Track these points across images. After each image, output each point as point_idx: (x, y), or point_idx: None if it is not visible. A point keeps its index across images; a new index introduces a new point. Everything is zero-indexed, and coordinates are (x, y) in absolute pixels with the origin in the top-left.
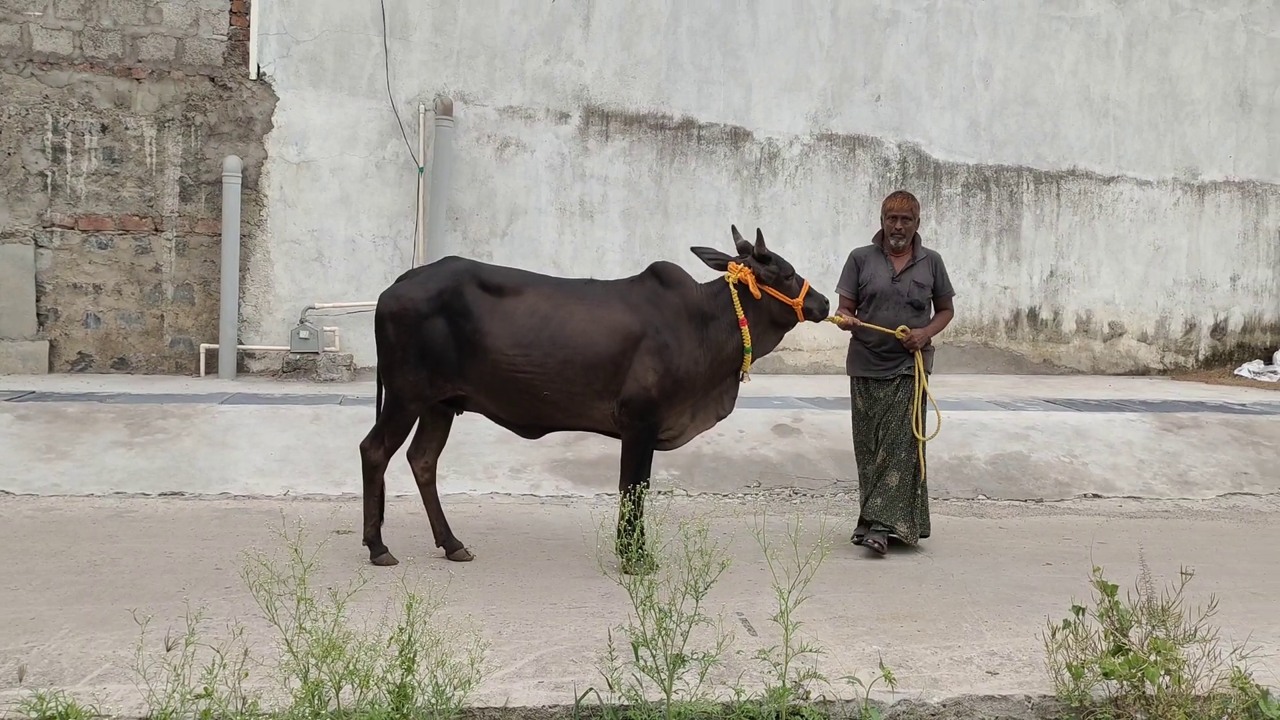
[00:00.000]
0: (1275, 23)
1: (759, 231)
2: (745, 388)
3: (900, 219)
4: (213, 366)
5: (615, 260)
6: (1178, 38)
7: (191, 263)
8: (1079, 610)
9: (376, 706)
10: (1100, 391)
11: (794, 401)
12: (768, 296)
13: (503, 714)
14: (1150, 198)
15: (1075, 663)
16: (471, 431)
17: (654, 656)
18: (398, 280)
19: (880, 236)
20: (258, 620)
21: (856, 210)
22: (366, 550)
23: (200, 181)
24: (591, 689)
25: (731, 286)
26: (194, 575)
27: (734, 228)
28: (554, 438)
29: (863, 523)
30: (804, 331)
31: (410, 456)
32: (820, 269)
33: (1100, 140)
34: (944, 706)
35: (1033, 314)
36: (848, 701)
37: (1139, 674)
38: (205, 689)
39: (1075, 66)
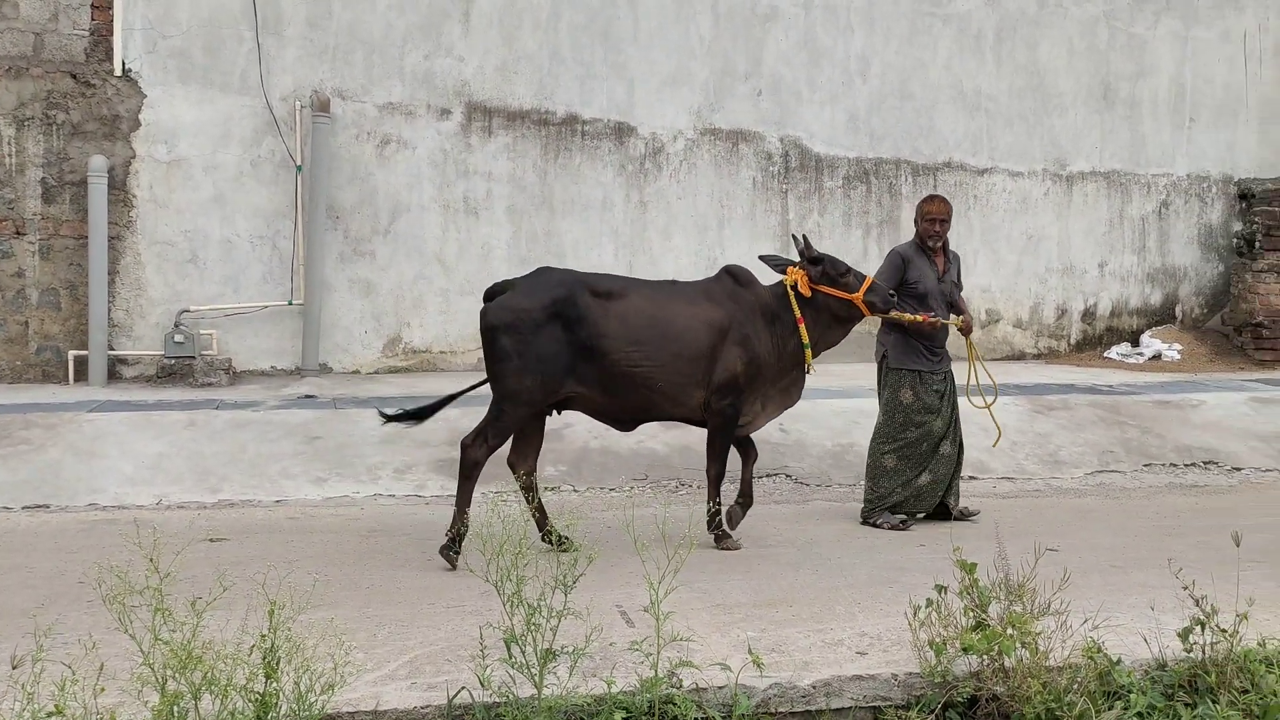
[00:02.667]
0: (1135, 19)
1: (805, 237)
2: None
3: (939, 221)
4: (82, 374)
5: (502, 257)
6: (1045, 33)
7: (57, 267)
8: (941, 589)
9: (238, 716)
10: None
11: None
12: (823, 295)
13: (373, 717)
14: (1022, 188)
15: (937, 640)
16: (354, 433)
17: (524, 653)
18: (492, 291)
19: (918, 238)
20: (118, 634)
21: (741, 204)
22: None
23: (64, 182)
24: (464, 688)
25: (789, 289)
26: (55, 590)
27: (793, 235)
28: (439, 437)
29: (875, 507)
30: None
31: (511, 464)
32: (707, 262)
33: (974, 133)
34: (814, 688)
35: None
36: (720, 688)
37: (996, 648)
38: (56, 706)
39: (949, 61)
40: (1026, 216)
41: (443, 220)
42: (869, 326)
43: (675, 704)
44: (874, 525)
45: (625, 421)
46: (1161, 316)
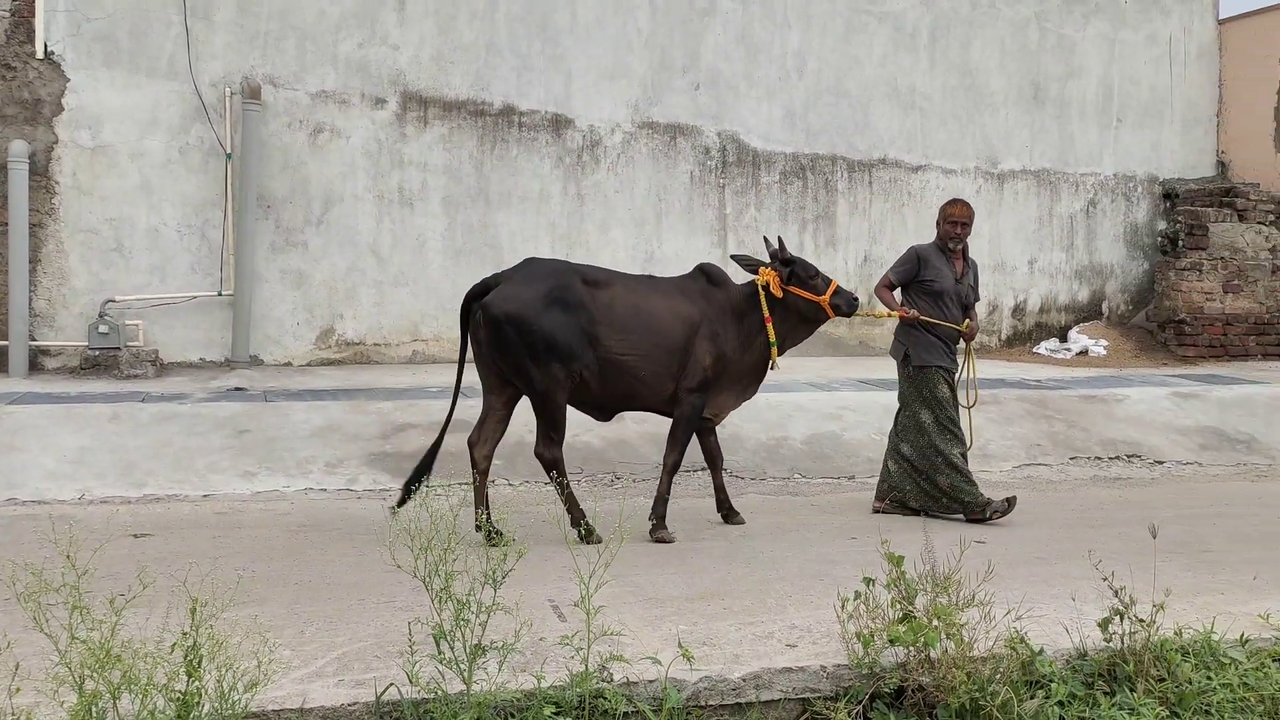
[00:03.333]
0: (1065, 20)
1: (780, 239)
2: None
3: (960, 224)
4: (2, 365)
5: (437, 249)
6: (977, 32)
7: None
8: (869, 581)
9: (159, 716)
10: None
11: None
12: (794, 295)
13: (299, 715)
14: (955, 185)
15: (865, 632)
16: (285, 426)
17: (453, 648)
18: (485, 284)
19: (940, 239)
20: (34, 633)
21: (678, 197)
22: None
23: None
24: (393, 684)
25: (760, 288)
26: None
27: (765, 237)
28: (371, 431)
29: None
30: None
31: (471, 441)
32: (644, 256)
33: (908, 130)
34: (744, 681)
35: None
36: (651, 682)
37: (922, 640)
38: None
39: (884, 59)
40: None
41: (377, 211)
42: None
43: (606, 698)
44: (987, 519)
45: (608, 410)
46: (1089, 313)
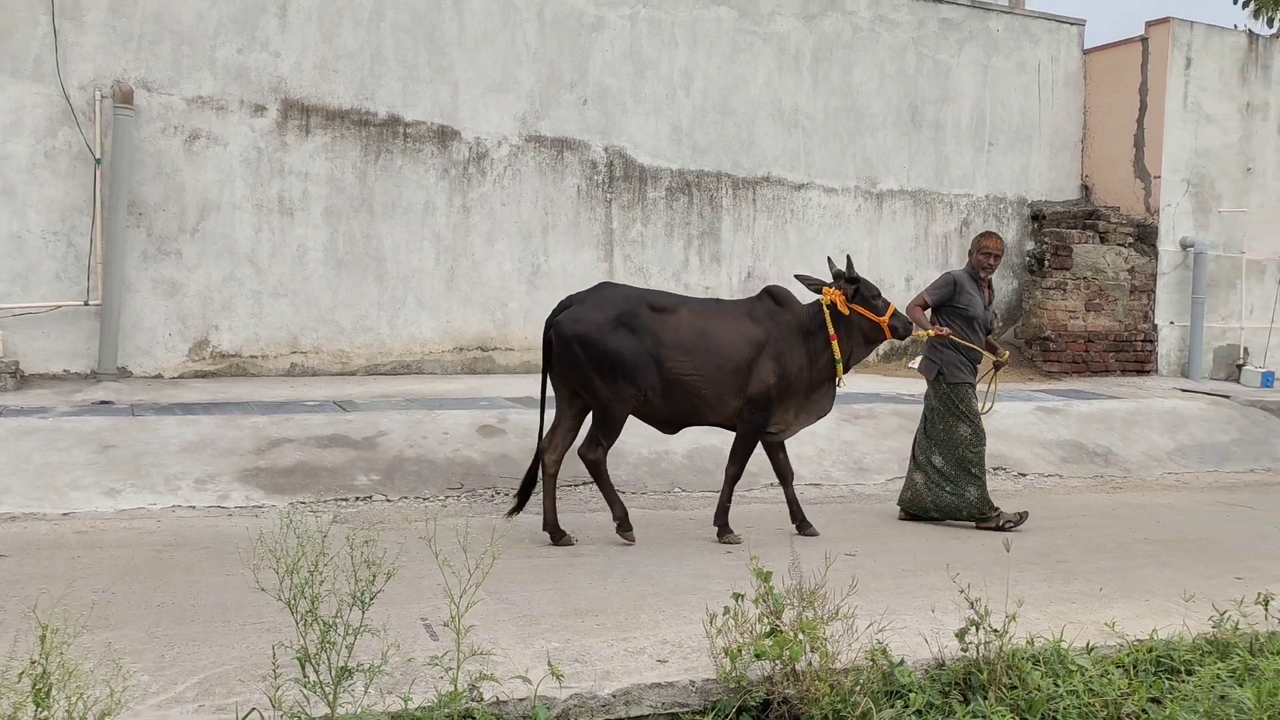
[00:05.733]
0: (941, 46)
1: (849, 258)
2: (453, 388)
3: (994, 256)
4: None
5: (319, 259)
6: (858, 56)
7: None
8: (738, 597)
9: None
10: None
11: (501, 402)
12: (856, 314)
13: None
14: (836, 204)
15: (732, 646)
16: (153, 441)
17: (318, 671)
18: (561, 306)
19: (971, 267)
20: None
21: (565, 211)
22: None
23: None
24: (255, 709)
25: (824, 307)
26: None
27: (829, 258)
28: (245, 446)
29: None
30: (515, 331)
31: (543, 449)
32: (530, 269)
33: (791, 149)
34: (614, 697)
35: None
36: (521, 700)
37: (787, 653)
38: None
39: (769, 79)
40: (840, 231)
41: (256, 220)
42: None
43: (475, 718)
44: (1002, 528)
45: (674, 425)
46: None
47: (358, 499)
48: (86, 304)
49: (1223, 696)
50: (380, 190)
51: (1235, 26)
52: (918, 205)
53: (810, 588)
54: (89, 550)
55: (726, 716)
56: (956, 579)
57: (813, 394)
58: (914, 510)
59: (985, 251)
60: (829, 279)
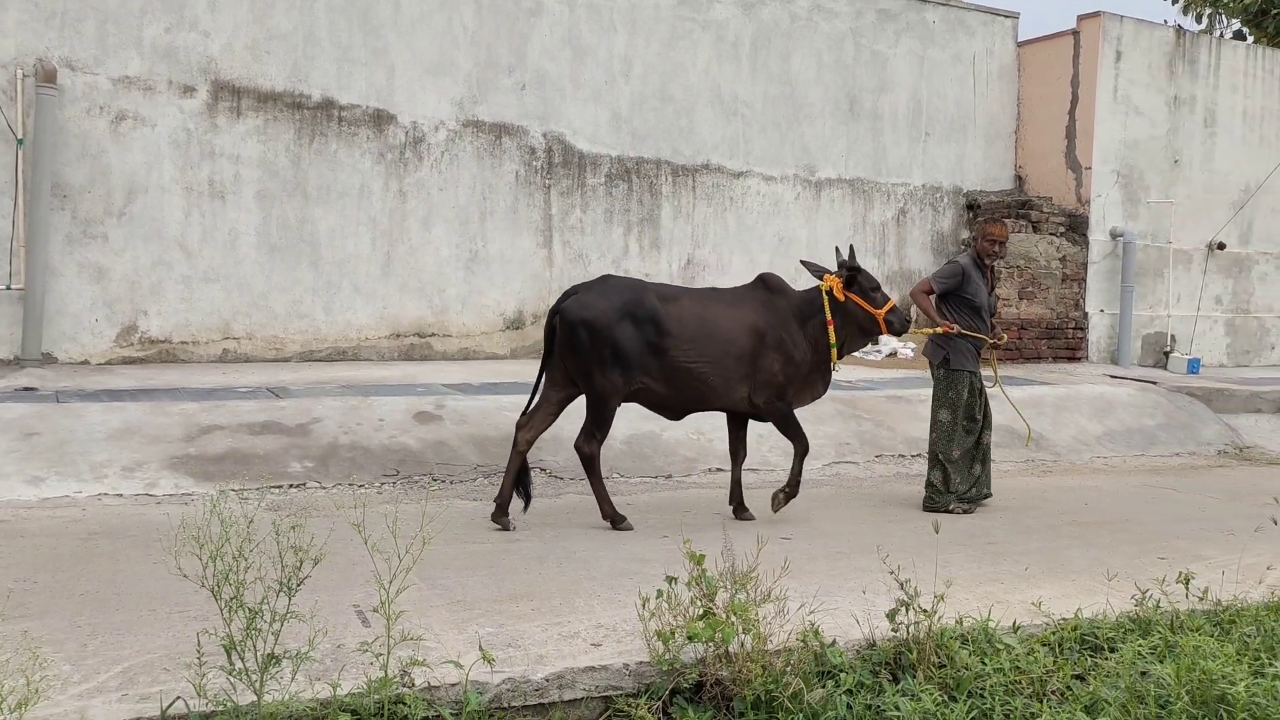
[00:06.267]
0: (878, 37)
1: (851, 248)
2: (389, 375)
3: (999, 243)
4: None
5: (251, 244)
6: (797, 44)
7: None
8: (671, 580)
9: None
10: None
11: (438, 389)
12: (854, 304)
13: None
14: (775, 192)
15: (666, 629)
16: (78, 429)
17: (244, 659)
18: (566, 295)
19: (977, 253)
20: None
21: (504, 197)
22: None
23: None
24: (180, 698)
25: (824, 293)
26: None
27: (837, 247)
28: (174, 433)
29: (949, 498)
30: (453, 317)
31: (519, 425)
32: (468, 255)
33: (731, 137)
34: (547, 681)
35: None
36: (453, 685)
37: (719, 635)
38: None
39: (708, 66)
40: (778, 219)
41: (185, 204)
42: None
43: (405, 704)
44: (949, 511)
45: (679, 411)
46: None
47: (291, 486)
48: (9, 288)
49: (1144, 673)
50: (315, 174)
51: (1165, 22)
52: (856, 194)
53: (743, 570)
54: (10, 539)
55: (660, 699)
56: (886, 560)
57: (810, 376)
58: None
59: (991, 239)
60: (812, 271)
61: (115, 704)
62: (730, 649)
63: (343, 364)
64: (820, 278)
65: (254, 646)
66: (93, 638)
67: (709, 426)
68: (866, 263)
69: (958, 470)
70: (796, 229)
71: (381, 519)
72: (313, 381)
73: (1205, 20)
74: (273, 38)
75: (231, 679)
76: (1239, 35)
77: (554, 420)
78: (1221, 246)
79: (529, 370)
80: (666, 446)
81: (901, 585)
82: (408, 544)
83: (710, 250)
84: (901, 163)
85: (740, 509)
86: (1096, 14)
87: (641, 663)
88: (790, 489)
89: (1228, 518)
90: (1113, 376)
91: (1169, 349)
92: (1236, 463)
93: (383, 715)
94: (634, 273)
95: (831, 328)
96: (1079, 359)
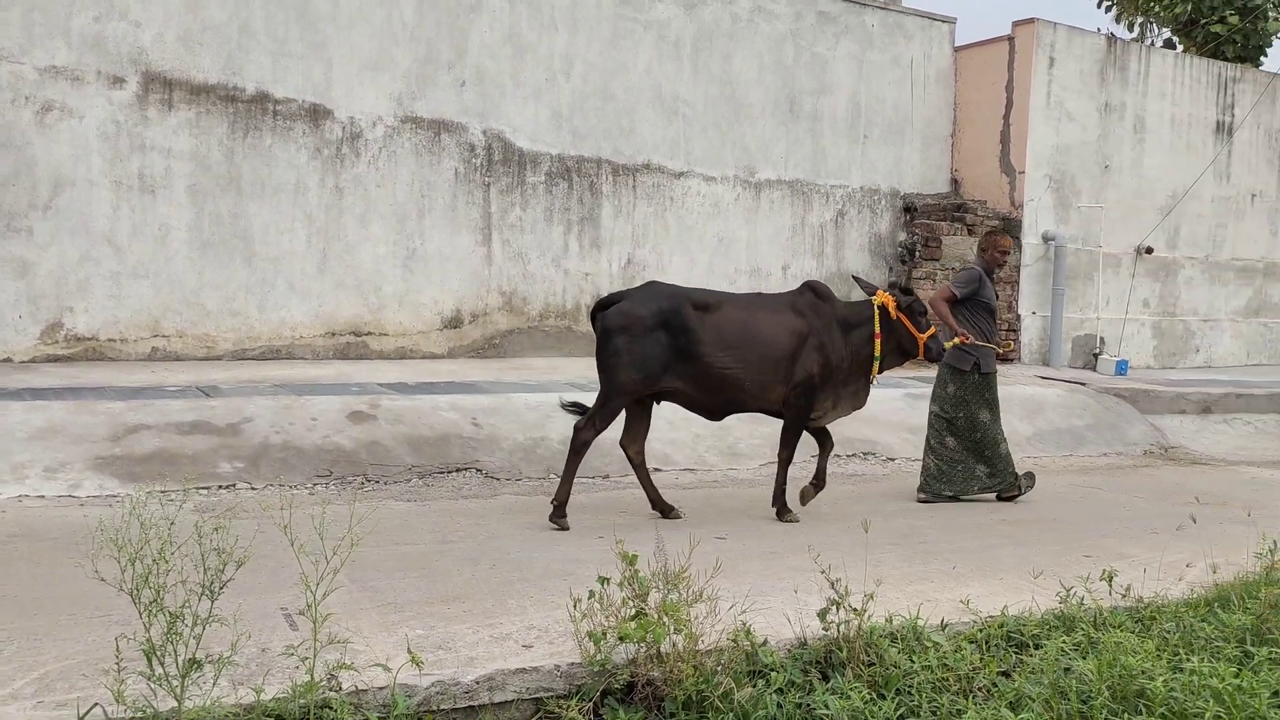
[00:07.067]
0: (818, 39)
1: (909, 275)
2: (324, 374)
3: (1006, 253)
4: None
5: (183, 239)
6: (738, 45)
7: None
8: (604, 581)
9: None
10: None
11: (374, 388)
12: (902, 325)
13: None
14: (715, 193)
15: (597, 630)
16: None
17: (164, 664)
18: (608, 300)
19: (986, 263)
20: None
21: (442, 195)
22: None
23: None
24: (97, 704)
25: (877, 307)
26: None
27: (893, 282)
28: (99, 433)
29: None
30: (390, 316)
31: (623, 444)
32: (406, 252)
33: (671, 137)
34: (477, 683)
35: None
36: (381, 689)
37: (651, 636)
38: None
39: (649, 66)
40: (719, 220)
41: (114, 198)
42: (567, 322)
43: (332, 708)
44: (1021, 491)
45: (717, 413)
46: None
47: (220, 487)
48: None
49: (1067, 669)
50: (249, 169)
51: (1099, 30)
52: (795, 195)
53: (676, 571)
54: None
55: (591, 700)
56: (817, 560)
57: (849, 385)
58: (933, 492)
59: (1001, 249)
60: (863, 287)
61: (30, 711)
62: (662, 649)
63: (276, 363)
64: (871, 294)
65: (175, 651)
66: (8, 643)
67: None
68: (805, 264)
69: (1000, 459)
70: (736, 230)
71: (311, 520)
72: (245, 380)
73: (1137, 29)
74: (206, 29)
75: (152, 685)
76: (1169, 44)
77: (649, 422)
78: (1149, 251)
79: (467, 370)
80: (604, 447)
81: (832, 584)
82: (335, 545)
83: (650, 250)
84: (840, 165)
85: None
86: (1031, 20)
87: (573, 664)
88: (777, 498)
89: (1152, 517)
90: (1043, 378)
91: (1098, 351)
92: (1161, 462)
93: None
94: (572, 273)
95: (879, 341)
96: (1012, 360)
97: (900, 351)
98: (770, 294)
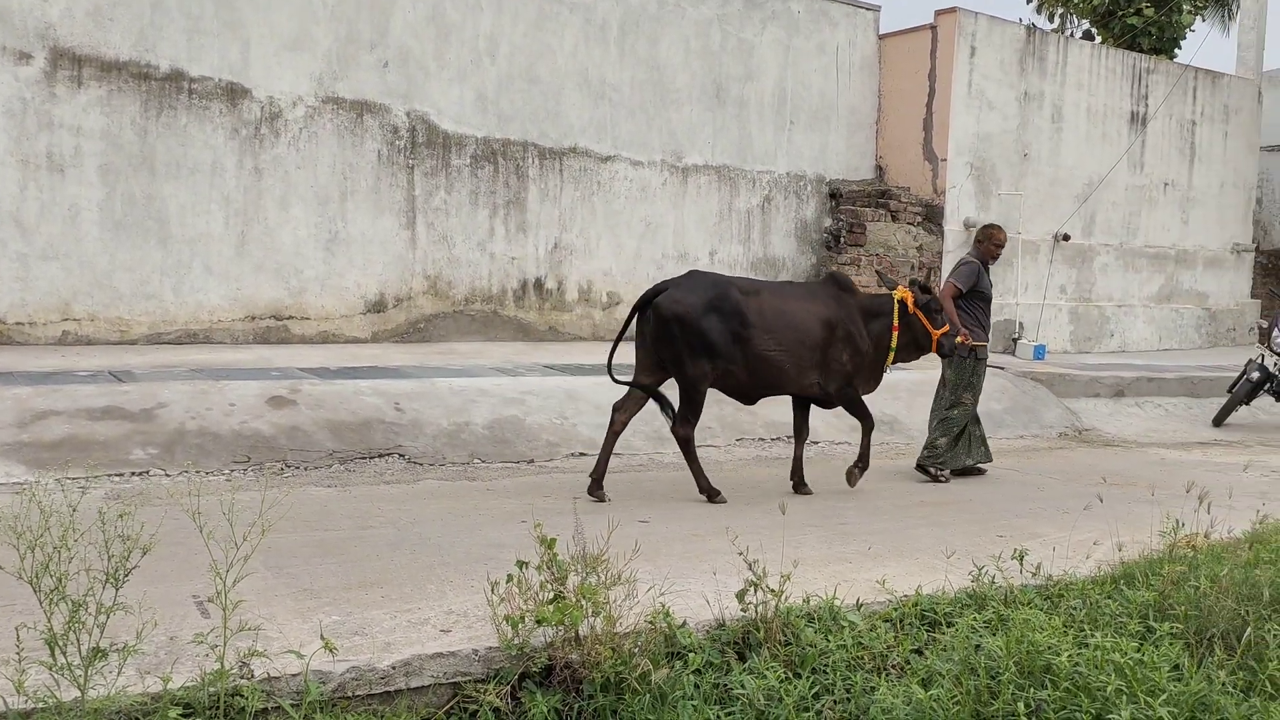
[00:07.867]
0: (745, 24)
1: (929, 272)
2: (243, 358)
3: (1001, 245)
4: None
5: (94, 220)
6: (664, 30)
7: None
8: (522, 564)
9: None
10: (597, 357)
11: (294, 373)
12: (918, 320)
13: None
14: (642, 177)
15: (515, 614)
16: None
17: (66, 653)
18: (658, 289)
19: (982, 255)
20: None
21: (365, 177)
22: None
23: None
24: None
25: (897, 301)
26: None
27: (913, 279)
28: (7, 419)
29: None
30: (312, 300)
31: (616, 408)
32: (328, 235)
33: (598, 121)
34: (393, 669)
35: (539, 284)
36: (295, 676)
37: (568, 619)
38: None
39: (575, 49)
40: (646, 204)
41: (21, 177)
42: (493, 306)
43: (243, 695)
44: (935, 478)
45: (754, 396)
46: None
47: (134, 474)
48: None
49: (977, 646)
50: (163, 148)
51: (1020, 20)
52: (722, 180)
53: (594, 553)
54: None
55: (509, 683)
56: (735, 542)
57: (865, 370)
58: (938, 468)
59: (998, 243)
60: (885, 282)
61: None
62: (580, 632)
63: (193, 347)
64: (893, 289)
65: (78, 640)
66: None
67: (572, 411)
68: (732, 250)
69: (964, 437)
70: (664, 215)
71: (221, 506)
72: (160, 365)
73: (1057, 19)
74: (117, 4)
75: (54, 674)
76: (1088, 35)
77: (645, 403)
78: (1066, 238)
79: (391, 354)
80: (529, 431)
81: (750, 566)
82: (247, 531)
83: (578, 235)
84: (767, 151)
85: (800, 485)
86: (953, 10)
87: (491, 648)
88: (862, 463)
89: (1064, 497)
90: None
91: (1017, 336)
92: (1075, 444)
93: (219, 709)
94: (499, 257)
95: (896, 333)
96: None
97: (915, 345)
98: (798, 283)
